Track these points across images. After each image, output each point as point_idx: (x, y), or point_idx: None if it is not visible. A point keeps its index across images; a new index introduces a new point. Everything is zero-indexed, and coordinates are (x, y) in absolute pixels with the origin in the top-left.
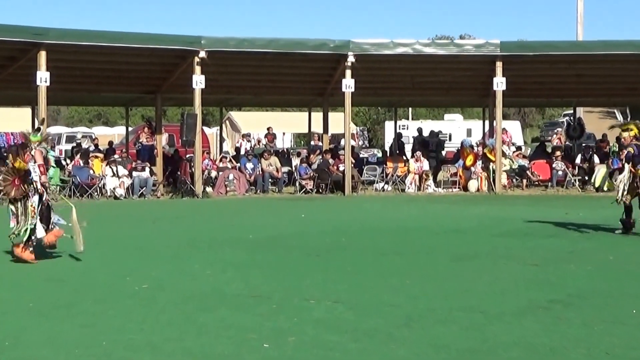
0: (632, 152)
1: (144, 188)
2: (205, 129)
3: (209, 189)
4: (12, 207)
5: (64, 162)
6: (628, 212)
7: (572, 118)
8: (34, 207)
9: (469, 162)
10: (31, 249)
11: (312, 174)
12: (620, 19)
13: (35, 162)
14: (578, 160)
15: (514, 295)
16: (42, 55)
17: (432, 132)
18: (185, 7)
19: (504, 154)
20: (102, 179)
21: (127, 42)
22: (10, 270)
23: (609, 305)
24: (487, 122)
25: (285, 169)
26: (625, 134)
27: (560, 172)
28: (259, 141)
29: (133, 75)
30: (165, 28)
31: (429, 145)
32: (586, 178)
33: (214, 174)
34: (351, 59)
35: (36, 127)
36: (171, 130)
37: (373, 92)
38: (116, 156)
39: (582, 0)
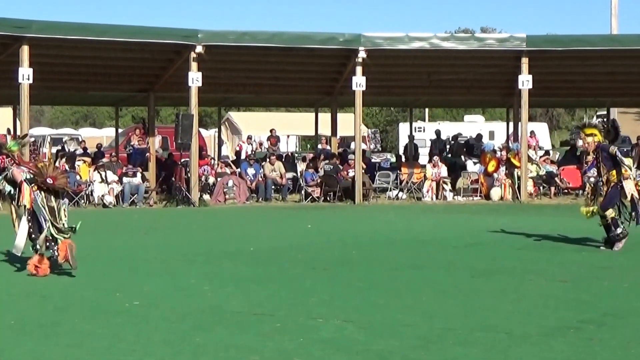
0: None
1: (135, 195)
2: (202, 130)
3: (206, 197)
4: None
5: None
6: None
7: (605, 120)
8: (66, 210)
9: (491, 167)
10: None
11: (319, 181)
12: None
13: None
14: None
15: (541, 314)
16: (25, 50)
17: (478, 135)
18: None
19: (530, 159)
20: (89, 185)
21: (117, 35)
22: None
23: None
24: (511, 124)
25: (290, 174)
26: (589, 139)
27: (592, 179)
28: (260, 144)
29: (123, 72)
30: (158, 20)
31: (473, 150)
32: None
33: (211, 180)
34: (362, 54)
35: (22, 135)
36: (165, 132)
37: (386, 91)
38: (105, 160)
39: None
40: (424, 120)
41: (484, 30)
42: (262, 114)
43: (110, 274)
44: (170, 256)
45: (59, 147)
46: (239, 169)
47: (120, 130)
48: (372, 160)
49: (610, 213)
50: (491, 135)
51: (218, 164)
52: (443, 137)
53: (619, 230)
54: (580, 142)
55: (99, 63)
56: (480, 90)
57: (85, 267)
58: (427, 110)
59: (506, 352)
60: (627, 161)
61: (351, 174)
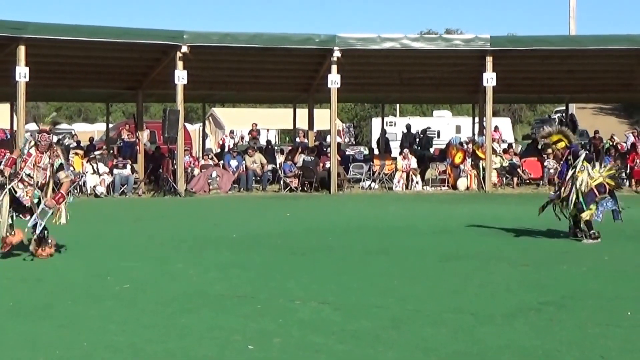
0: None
1: (125, 186)
2: (188, 125)
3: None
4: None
5: None
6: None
7: (563, 114)
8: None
9: (458, 159)
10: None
11: (297, 172)
12: (613, 13)
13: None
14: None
15: (504, 296)
16: (22, 50)
17: (424, 129)
18: (167, 0)
19: (494, 151)
20: (82, 176)
21: (107, 36)
22: None
23: (603, 307)
24: (477, 119)
25: (270, 166)
26: (560, 145)
27: (552, 170)
28: (242, 138)
29: (113, 71)
30: (146, 22)
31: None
32: None
33: (196, 171)
34: (337, 54)
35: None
36: (153, 126)
37: (360, 88)
38: (97, 153)
39: None
40: (395, 116)
41: (449, 32)
42: (244, 109)
43: (102, 260)
44: (158, 243)
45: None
46: (221, 161)
47: (110, 125)
48: (347, 152)
49: (586, 215)
50: (458, 129)
51: (203, 157)
52: (413, 131)
53: (592, 231)
54: (549, 150)
55: (91, 62)
56: (447, 88)
57: (78, 253)
58: (398, 106)
59: (472, 332)
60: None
61: (327, 165)
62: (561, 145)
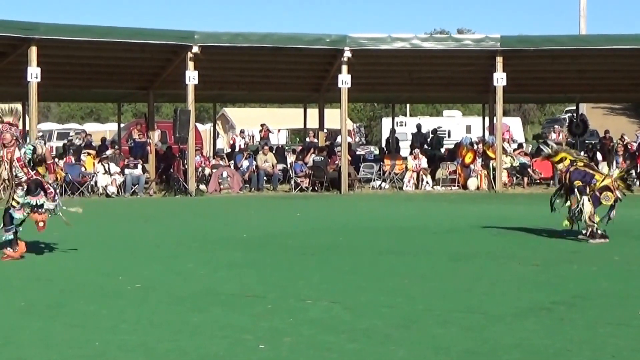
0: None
1: (136, 186)
2: (199, 125)
3: (202, 187)
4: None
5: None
6: None
7: (574, 114)
8: None
9: (468, 159)
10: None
11: (307, 172)
12: (624, 13)
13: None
14: None
15: (515, 296)
16: (33, 51)
17: (434, 130)
18: (178, 1)
19: (504, 151)
20: (93, 176)
21: (118, 37)
22: None
23: (613, 306)
24: (487, 119)
25: (281, 166)
26: (560, 166)
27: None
28: (252, 137)
29: (124, 71)
30: (157, 22)
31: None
32: None
33: (207, 171)
34: (348, 54)
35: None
36: (164, 126)
37: (370, 88)
38: (108, 152)
39: None
40: (406, 115)
41: (460, 31)
42: (255, 109)
43: (113, 259)
44: (169, 242)
45: (65, 141)
46: (232, 161)
47: (122, 125)
48: (357, 152)
49: (587, 214)
50: (468, 129)
51: (214, 157)
52: (423, 130)
53: (600, 232)
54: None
55: (102, 62)
56: (458, 87)
57: (89, 252)
58: (408, 105)
59: (482, 331)
60: (602, 171)
61: (337, 165)
62: (566, 162)
